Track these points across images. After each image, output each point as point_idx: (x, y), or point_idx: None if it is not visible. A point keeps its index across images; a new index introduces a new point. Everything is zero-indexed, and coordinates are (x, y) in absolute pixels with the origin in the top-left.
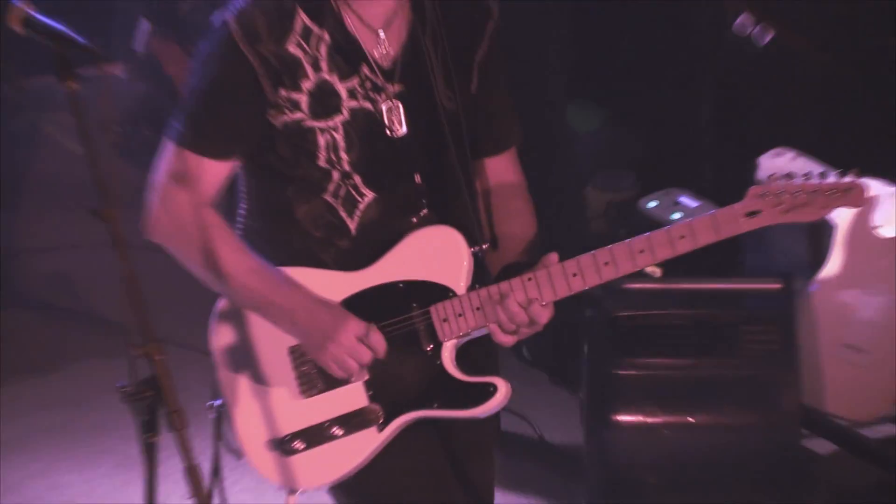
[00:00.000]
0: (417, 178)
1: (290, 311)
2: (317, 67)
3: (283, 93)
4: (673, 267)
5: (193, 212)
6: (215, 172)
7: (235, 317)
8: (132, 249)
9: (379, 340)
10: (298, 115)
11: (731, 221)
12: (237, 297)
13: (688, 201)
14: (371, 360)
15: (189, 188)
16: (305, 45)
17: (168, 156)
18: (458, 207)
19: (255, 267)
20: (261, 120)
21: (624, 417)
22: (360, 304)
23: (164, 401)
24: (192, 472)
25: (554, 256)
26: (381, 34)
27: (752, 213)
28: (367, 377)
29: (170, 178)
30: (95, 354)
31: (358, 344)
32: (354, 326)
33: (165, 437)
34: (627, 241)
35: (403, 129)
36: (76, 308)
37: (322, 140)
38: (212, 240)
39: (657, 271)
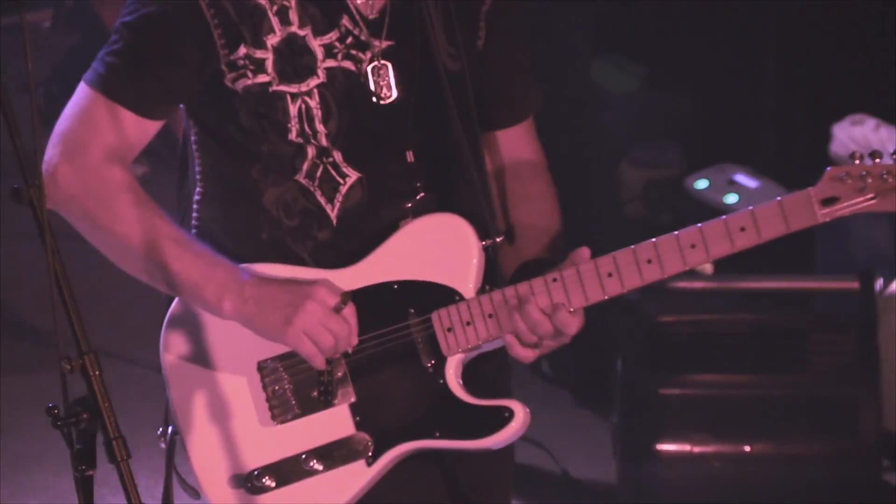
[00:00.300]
0: (410, 156)
1: (237, 285)
2: (284, 19)
3: (242, 50)
4: (727, 262)
5: (107, 170)
6: (137, 131)
7: (192, 324)
8: (63, 239)
9: (352, 312)
10: (262, 78)
11: (804, 210)
12: (159, 274)
13: (745, 180)
14: (347, 336)
15: (104, 142)
16: None
17: (82, 102)
18: (464, 191)
19: (183, 237)
20: (205, 82)
21: (667, 447)
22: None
23: (103, 426)
24: None
25: (585, 252)
26: None
27: (828, 200)
28: (342, 372)
29: (81, 127)
30: (17, 370)
31: (331, 313)
32: (323, 291)
33: (105, 469)
34: (675, 233)
35: (393, 95)
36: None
37: (293, 108)
38: (125, 206)
39: (709, 268)
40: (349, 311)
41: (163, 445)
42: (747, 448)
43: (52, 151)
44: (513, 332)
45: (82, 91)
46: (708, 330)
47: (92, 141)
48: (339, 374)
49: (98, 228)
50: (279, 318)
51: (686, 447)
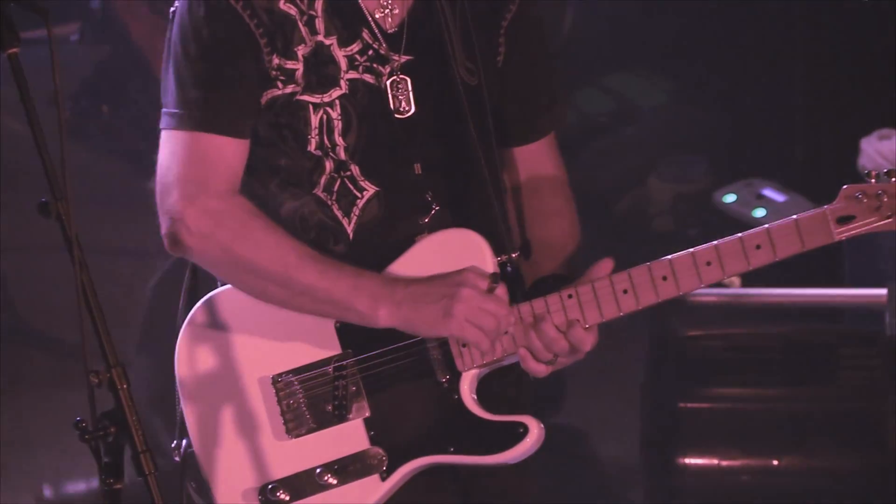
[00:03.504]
0: (417, 168)
1: (388, 290)
2: (312, 28)
3: (275, 60)
4: (755, 275)
5: (231, 201)
6: (236, 154)
7: (206, 339)
8: (91, 253)
9: (504, 291)
10: (290, 88)
11: (820, 228)
12: (305, 296)
13: (773, 194)
14: (506, 314)
15: (216, 175)
16: (297, 2)
17: (177, 146)
18: (480, 207)
19: (319, 254)
20: (263, 88)
21: (693, 460)
22: (358, 326)
23: (130, 439)
24: None
25: (608, 264)
26: None
27: (844, 219)
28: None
29: (190, 168)
30: (45, 384)
31: (487, 295)
32: (473, 276)
33: (132, 483)
34: (691, 250)
35: (412, 109)
36: (18, 326)
37: (315, 119)
38: (260, 238)
39: (736, 281)
40: (501, 290)
41: (177, 459)
42: (775, 462)
43: (169, 202)
44: (527, 348)
45: (173, 137)
46: (735, 343)
47: (206, 177)
48: (353, 388)
49: (237, 261)
50: (438, 312)
51: (713, 461)
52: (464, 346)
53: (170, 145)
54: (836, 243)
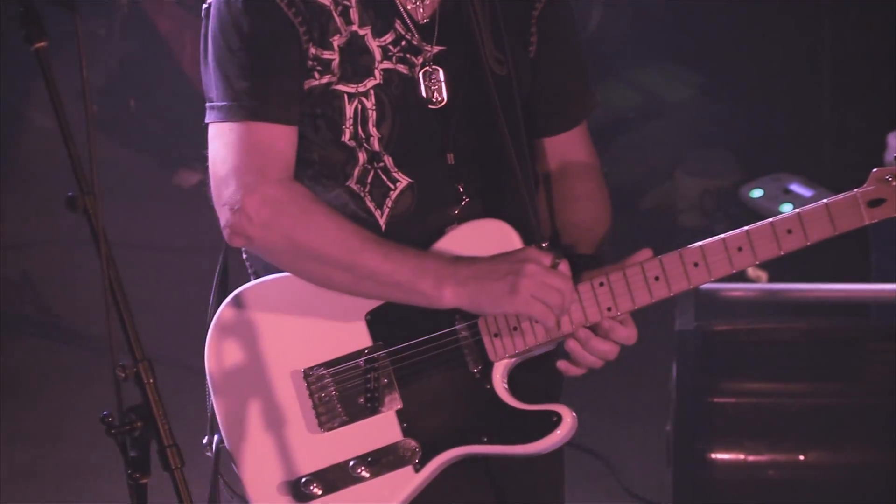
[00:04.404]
0: (450, 158)
1: (451, 270)
2: (347, 18)
3: (312, 50)
4: (782, 270)
5: (290, 188)
6: (289, 141)
7: (237, 333)
8: (117, 247)
9: (567, 267)
10: (327, 79)
11: (851, 212)
12: (368, 280)
13: (801, 189)
14: (570, 290)
15: (273, 163)
16: None
17: (230, 137)
18: (510, 196)
19: (379, 238)
20: (303, 78)
21: (721, 455)
22: (390, 317)
23: (157, 434)
24: None
25: (647, 253)
26: None
27: (875, 202)
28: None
29: (245, 158)
30: (71, 378)
31: (551, 271)
32: (536, 252)
33: (159, 477)
34: (722, 236)
35: (444, 99)
36: (46, 320)
37: (349, 109)
38: (326, 230)
39: (763, 275)
40: (564, 266)
41: (209, 454)
42: (802, 457)
43: (227, 193)
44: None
45: (224, 129)
46: (763, 338)
47: (262, 166)
48: (385, 380)
49: (300, 248)
50: (504, 289)
51: (740, 455)
52: (496, 336)
53: (222, 137)
54: (863, 239)
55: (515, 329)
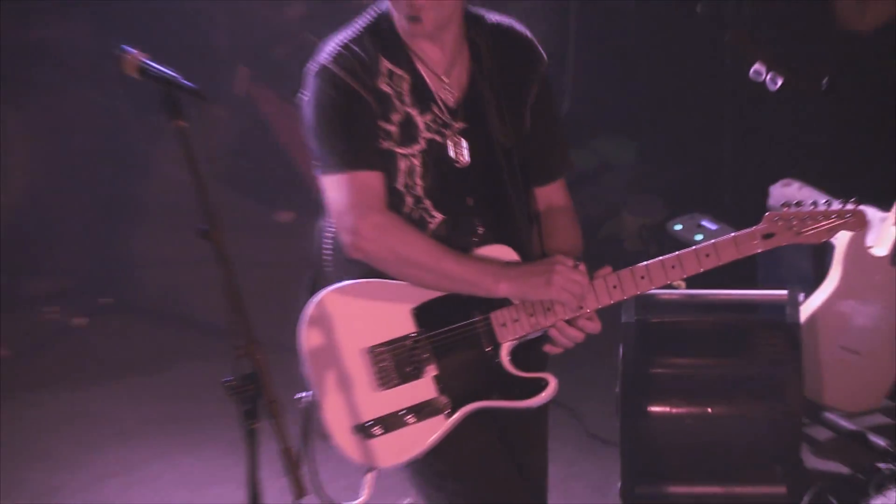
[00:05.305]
0: (469, 200)
1: (503, 271)
2: (402, 102)
3: (379, 122)
4: (697, 280)
5: (388, 216)
6: (380, 182)
7: (321, 322)
8: (236, 264)
9: (584, 269)
10: (388, 144)
11: (750, 242)
12: (445, 278)
13: (709, 224)
14: (587, 284)
15: (374, 199)
16: (391, 83)
17: (339, 184)
18: (512, 229)
19: (451, 249)
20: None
21: (654, 408)
22: (430, 311)
23: (264, 393)
24: (286, 454)
25: (607, 270)
26: (445, 79)
27: (767, 235)
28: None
29: (354, 197)
30: (202, 355)
31: (574, 270)
32: (562, 257)
33: (264, 424)
34: (660, 258)
35: (467, 160)
36: (186, 314)
37: (402, 164)
38: (416, 245)
39: (682, 284)
40: (582, 267)
41: (301, 406)
42: (709, 410)
43: (347, 222)
44: (546, 328)
45: (335, 179)
46: (683, 328)
47: (366, 202)
48: (426, 355)
49: (401, 258)
50: (542, 282)
51: (667, 409)
52: (503, 325)
53: (335, 184)
54: (753, 255)
55: (515, 321)
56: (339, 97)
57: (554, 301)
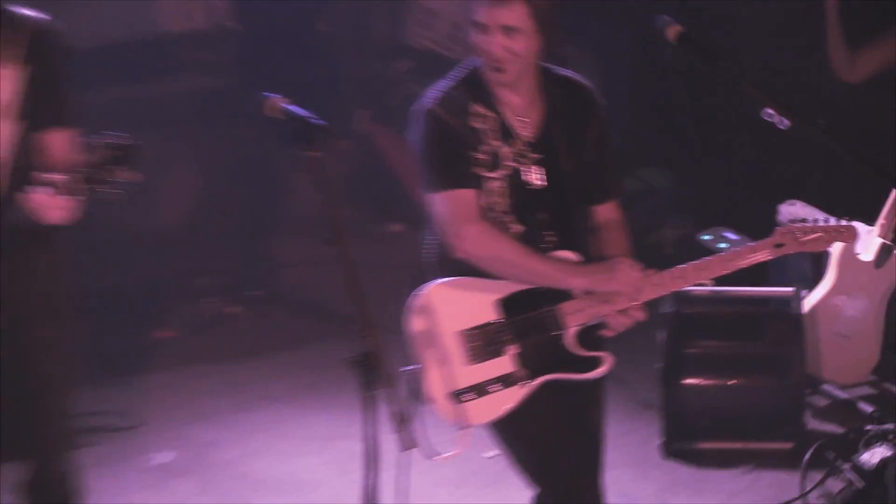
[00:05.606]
0: (543, 216)
1: (576, 268)
2: (490, 136)
3: (473, 153)
4: (720, 279)
5: (484, 224)
6: (476, 197)
7: (425, 310)
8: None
9: (639, 266)
10: (479, 170)
11: (764, 250)
12: (530, 274)
13: (731, 235)
14: (642, 279)
15: (473, 211)
16: (481, 122)
17: (444, 200)
18: (575, 238)
19: (532, 250)
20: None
21: (688, 381)
22: (512, 302)
23: (379, 367)
24: (398, 416)
25: (650, 271)
26: (524, 119)
27: (778, 245)
28: (509, 336)
29: (457, 210)
30: (331, 337)
31: (632, 269)
32: (623, 259)
33: (380, 391)
34: (693, 262)
35: (540, 184)
36: (318, 305)
37: (490, 186)
38: (508, 247)
39: (710, 283)
40: (637, 265)
41: (407, 377)
42: (731, 382)
43: (452, 230)
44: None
45: (441, 196)
46: (711, 317)
47: (467, 213)
48: (508, 336)
49: (498, 258)
50: (606, 278)
51: (698, 381)
52: (569, 314)
53: (441, 200)
54: (764, 266)
55: (579, 311)
56: (441, 132)
57: (615, 292)
